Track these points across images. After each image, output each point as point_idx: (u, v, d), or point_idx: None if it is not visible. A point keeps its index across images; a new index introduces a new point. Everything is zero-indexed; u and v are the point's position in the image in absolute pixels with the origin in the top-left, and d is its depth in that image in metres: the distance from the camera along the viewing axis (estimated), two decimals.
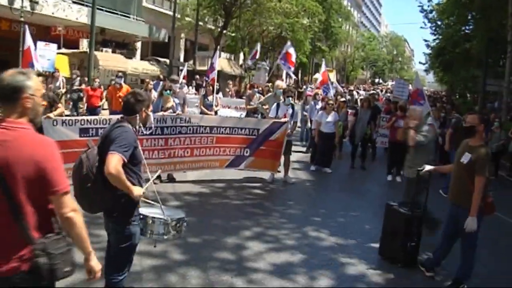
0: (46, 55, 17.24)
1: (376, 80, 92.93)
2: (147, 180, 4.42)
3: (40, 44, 17.33)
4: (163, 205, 4.48)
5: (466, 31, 32.30)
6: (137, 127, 4.29)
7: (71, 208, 2.79)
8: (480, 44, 26.49)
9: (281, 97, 11.34)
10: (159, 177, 9.83)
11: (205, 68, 17.71)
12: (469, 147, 5.75)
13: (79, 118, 9.49)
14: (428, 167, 6.46)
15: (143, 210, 4.29)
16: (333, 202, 9.94)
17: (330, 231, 7.73)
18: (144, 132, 8.94)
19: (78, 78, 18.44)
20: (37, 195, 2.69)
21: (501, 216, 8.94)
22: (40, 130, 8.14)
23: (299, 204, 9.47)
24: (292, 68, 17.88)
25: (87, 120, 8.92)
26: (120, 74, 15.07)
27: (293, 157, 11.88)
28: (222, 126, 10.53)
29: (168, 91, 10.25)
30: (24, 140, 2.69)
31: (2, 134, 2.66)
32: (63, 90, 17.24)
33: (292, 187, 10.90)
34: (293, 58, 17.64)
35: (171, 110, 10.02)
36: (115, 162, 3.77)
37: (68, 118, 9.40)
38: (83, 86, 17.72)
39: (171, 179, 10.18)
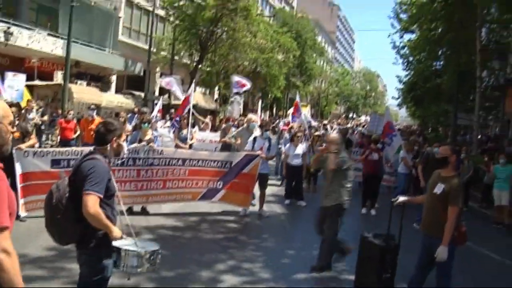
0: (14, 85, 17.17)
1: (350, 115, 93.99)
2: (121, 212, 4.36)
3: (9, 74, 17.26)
4: (137, 238, 4.41)
5: (437, 67, 33.05)
6: (110, 157, 4.25)
7: (1, 248, 2.38)
8: (451, 79, 27.10)
9: (254, 131, 11.40)
10: (130, 208, 9.74)
11: (180, 102, 17.87)
12: (442, 178, 5.81)
13: (51, 149, 9.43)
14: (402, 198, 6.50)
15: (116, 243, 4.21)
16: (308, 235, 9.85)
17: (305, 264, 7.66)
18: (116, 162, 8.92)
19: (34, 110, 18.29)
20: None
21: (473, 246, 9.01)
22: (9, 159, 8.07)
23: (274, 237, 9.42)
24: (242, 89, 18.70)
25: (59, 151, 8.88)
26: (92, 106, 15.00)
27: (268, 190, 11.83)
28: (195, 158, 10.48)
29: (146, 124, 10.24)
30: None
31: None
32: (38, 121, 17.07)
33: (267, 220, 10.84)
34: (243, 82, 18.62)
35: (144, 143, 9.98)
36: (92, 202, 3.73)
37: (39, 149, 9.36)
38: (37, 119, 17.48)
39: (144, 212, 10.08)
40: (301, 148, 12.98)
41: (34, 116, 16.93)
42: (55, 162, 8.57)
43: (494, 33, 23.97)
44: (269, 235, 9.54)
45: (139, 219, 9.41)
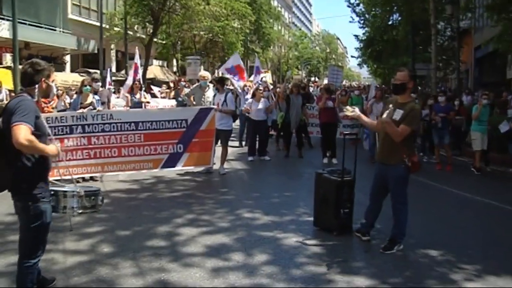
0: None
1: (312, 79, 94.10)
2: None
3: None
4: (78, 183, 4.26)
5: (392, 20, 33.13)
6: (38, 98, 4.08)
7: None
8: (405, 30, 27.17)
9: (206, 88, 11.29)
10: (82, 177, 9.42)
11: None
12: (399, 104, 5.77)
13: None
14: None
15: (55, 188, 4.07)
16: (267, 186, 9.86)
17: (264, 211, 7.61)
18: (65, 130, 8.71)
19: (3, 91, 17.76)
20: None
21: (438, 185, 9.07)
22: None
23: (232, 190, 9.34)
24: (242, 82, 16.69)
25: None
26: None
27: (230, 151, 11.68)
28: (148, 120, 9.77)
29: (87, 87, 9.88)
30: None
31: None
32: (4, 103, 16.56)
33: (226, 176, 10.71)
34: (245, 74, 16.29)
35: (91, 107, 9.66)
36: (23, 132, 3.57)
37: None
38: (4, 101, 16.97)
39: (93, 180, 9.72)
40: (263, 103, 12.84)
41: (3, 98, 16.47)
42: None
43: None
44: (228, 189, 9.44)
45: (93, 184, 9.18)
